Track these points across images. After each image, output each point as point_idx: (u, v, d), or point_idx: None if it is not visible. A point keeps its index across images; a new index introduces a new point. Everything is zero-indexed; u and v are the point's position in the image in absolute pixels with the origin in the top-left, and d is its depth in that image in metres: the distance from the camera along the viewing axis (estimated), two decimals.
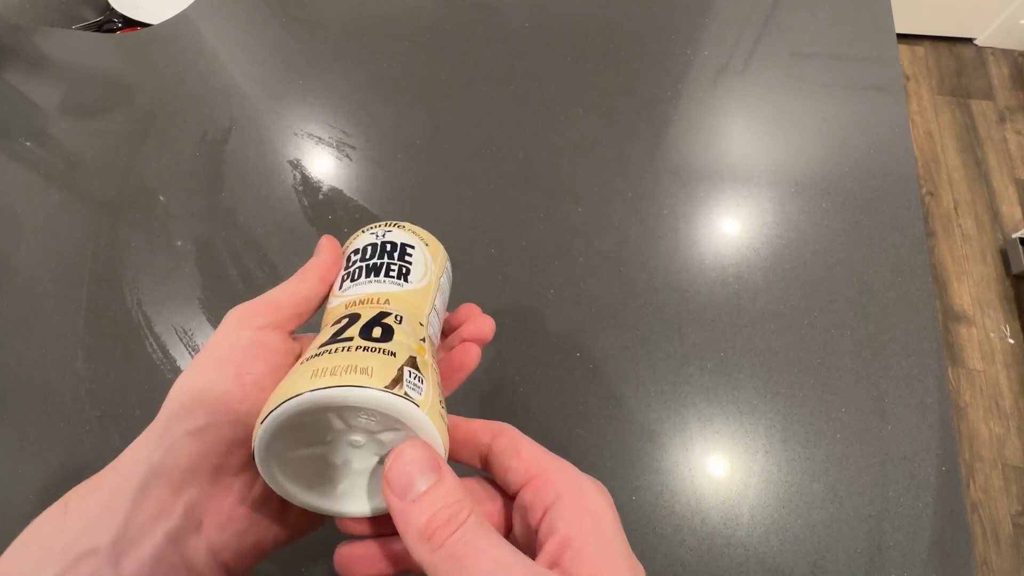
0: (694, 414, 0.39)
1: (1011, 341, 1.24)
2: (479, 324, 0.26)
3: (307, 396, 0.17)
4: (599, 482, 0.20)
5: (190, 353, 0.42)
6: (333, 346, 0.19)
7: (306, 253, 0.24)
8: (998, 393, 1.19)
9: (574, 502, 0.18)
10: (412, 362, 0.19)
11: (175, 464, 0.19)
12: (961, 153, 1.49)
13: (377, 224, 0.26)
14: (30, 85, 0.58)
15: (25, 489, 0.38)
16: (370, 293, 0.23)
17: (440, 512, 0.16)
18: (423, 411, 0.18)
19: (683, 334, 0.42)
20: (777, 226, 0.46)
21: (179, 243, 0.47)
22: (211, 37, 0.60)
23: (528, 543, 0.19)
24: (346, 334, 0.20)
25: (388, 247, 0.25)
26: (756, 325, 0.42)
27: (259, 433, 0.17)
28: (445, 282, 0.27)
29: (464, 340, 0.25)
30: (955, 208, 1.41)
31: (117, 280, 0.45)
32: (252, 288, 0.45)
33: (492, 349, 0.41)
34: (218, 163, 0.51)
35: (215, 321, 0.18)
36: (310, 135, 0.53)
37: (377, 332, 0.20)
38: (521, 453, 0.20)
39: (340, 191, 0.49)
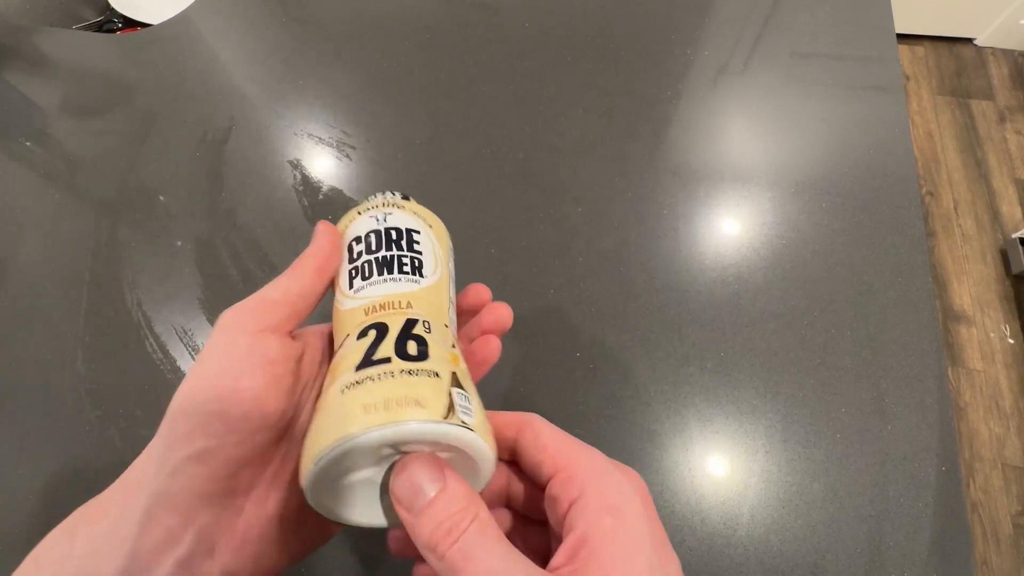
0: (694, 414, 0.39)
1: (1011, 341, 1.24)
2: (498, 313, 0.25)
3: (366, 437, 0.16)
4: (630, 470, 0.19)
5: (190, 353, 0.42)
6: (374, 372, 0.18)
7: None
8: (998, 393, 1.19)
9: (596, 498, 0.17)
10: (455, 379, 0.19)
11: (181, 490, 0.18)
12: (961, 153, 1.49)
13: (372, 202, 0.25)
14: (30, 85, 0.58)
15: (25, 489, 0.38)
16: (389, 296, 0.21)
17: (444, 522, 0.16)
18: (477, 435, 0.18)
19: (683, 334, 0.42)
20: (777, 226, 0.46)
21: (179, 243, 0.47)
22: (211, 37, 0.60)
23: (559, 534, 0.18)
24: (381, 352, 0.19)
25: (393, 235, 0.23)
26: (756, 325, 0.42)
27: (312, 473, 0.17)
28: (453, 267, 0.26)
29: (484, 332, 0.25)
30: (955, 208, 1.41)
31: (117, 280, 0.45)
32: (252, 288, 0.44)
33: None
34: (218, 163, 0.51)
35: (215, 321, 0.17)
36: (310, 135, 0.53)
37: (413, 348, 0.19)
38: (547, 446, 0.19)
39: (340, 191, 0.49)
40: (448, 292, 0.24)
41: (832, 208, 0.47)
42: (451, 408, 0.18)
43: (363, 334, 0.20)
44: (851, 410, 0.39)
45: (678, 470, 0.37)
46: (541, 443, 0.20)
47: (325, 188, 0.50)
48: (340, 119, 0.54)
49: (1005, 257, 1.33)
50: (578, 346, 0.41)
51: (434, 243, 0.24)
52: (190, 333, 0.43)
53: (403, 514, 0.17)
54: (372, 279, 0.22)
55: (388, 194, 0.25)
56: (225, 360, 0.19)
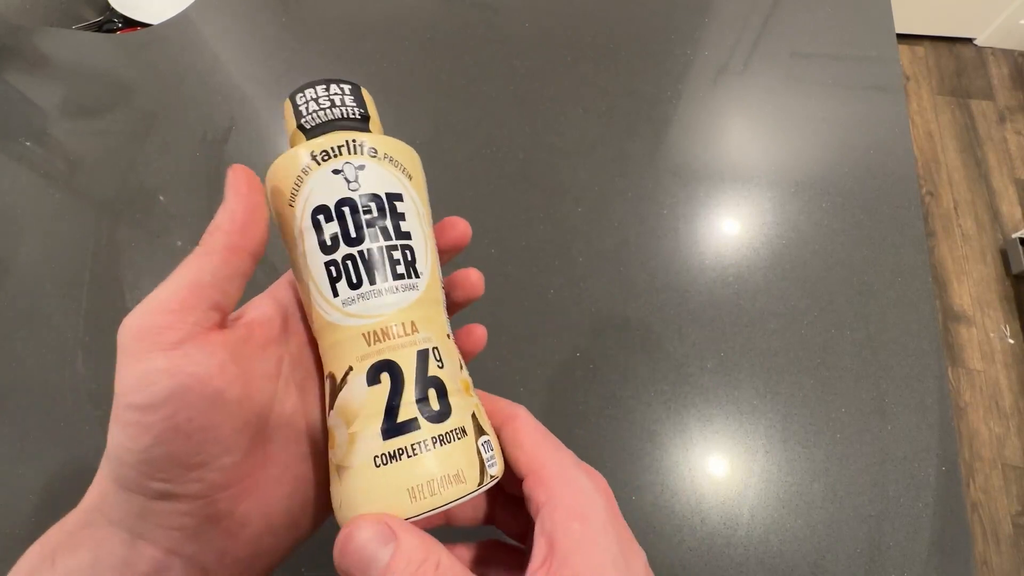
0: (694, 414, 0.39)
1: (1011, 341, 1.24)
2: (470, 289, 0.24)
3: (415, 519, 0.17)
4: (596, 474, 0.20)
5: None
6: (405, 442, 0.17)
7: None
8: (998, 393, 1.19)
9: (563, 503, 0.18)
10: (476, 424, 0.19)
11: (156, 527, 0.16)
12: (961, 153, 1.49)
13: (327, 141, 0.18)
14: (30, 85, 0.58)
15: (25, 489, 0.38)
16: (390, 317, 0.18)
17: None
18: (500, 475, 0.19)
19: (683, 334, 0.42)
20: (777, 226, 0.46)
21: (179, 243, 0.47)
22: (211, 37, 0.60)
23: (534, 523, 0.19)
24: (404, 412, 0.17)
25: (374, 209, 0.18)
26: (756, 325, 0.42)
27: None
28: (431, 224, 0.22)
29: (458, 304, 0.24)
30: (955, 208, 1.41)
31: (117, 280, 0.45)
32: (252, 288, 0.45)
33: (492, 349, 0.41)
34: (218, 163, 0.51)
35: (119, 335, 0.15)
36: None
37: (435, 402, 0.18)
38: (524, 444, 0.20)
39: None
40: (441, 286, 0.21)
41: (832, 208, 0.47)
42: (482, 468, 0.18)
43: (374, 379, 0.18)
44: (851, 410, 0.39)
45: (678, 470, 0.37)
46: (519, 440, 0.20)
47: None
48: None
49: (1005, 257, 1.33)
50: (578, 346, 0.41)
51: (417, 203, 0.20)
52: None
53: None
54: (363, 288, 0.18)
55: (338, 104, 0.19)
56: (149, 392, 0.15)
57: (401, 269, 0.19)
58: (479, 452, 0.18)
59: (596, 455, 0.37)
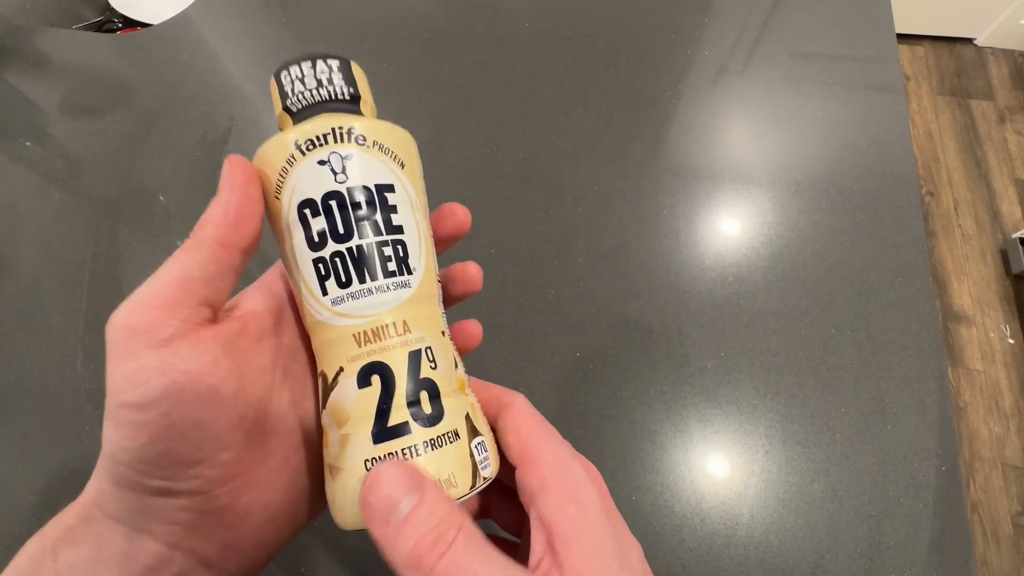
0: (694, 414, 0.39)
1: (1011, 341, 1.24)
2: (469, 283, 0.23)
3: None
4: (591, 465, 0.20)
5: None
6: (396, 446, 0.17)
7: None
8: (998, 393, 1.19)
9: (558, 489, 0.18)
10: (470, 425, 0.19)
11: (157, 520, 0.16)
12: (961, 153, 1.49)
13: (312, 126, 0.17)
14: (30, 85, 0.58)
15: (25, 489, 0.38)
16: (380, 317, 0.18)
17: (426, 535, 0.15)
18: (493, 478, 0.19)
19: (683, 334, 0.42)
20: (777, 226, 0.46)
21: (179, 243, 0.47)
22: (211, 37, 0.60)
23: (527, 510, 0.19)
24: (395, 416, 0.17)
25: (363, 203, 0.17)
26: (756, 325, 0.42)
27: (350, 529, 0.18)
28: (425, 196, 0.21)
29: (456, 298, 0.23)
30: (955, 208, 1.41)
31: (117, 280, 0.45)
32: (246, 279, 0.45)
33: (492, 350, 0.41)
34: (218, 163, 0.51)
35: (107, 329, 0.14)
36: None
37: (427, 405, 0.18)
38: (520, 432, 0.20)
39: None
40: (437, 282, 0.20)
41: (832, 208, 0.47)
42: (475, 471, 0.18)
43: (364, 381, 0.17)
44: (851, 410, 0.39)
45: (678, 470, 0.37)
46: (515, 427, 0.20)
47: None
48: None
49: (1005, 257, 1.33)
50: (578, 346, 0.41)
51: (410, 193, 0.19)
52: None
53: (377, 529, 0.16)
54: (353, 287, 0.17)
55: (325, 84, 0.18)
56: (142, 390, 0.15)
57: (393, 266, 0.18)
58: (472, 455, 0.18)
59: (596, 455, 0.37)
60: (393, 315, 0.18)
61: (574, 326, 0.42)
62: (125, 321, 0.16)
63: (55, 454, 0.39)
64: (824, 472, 0.37)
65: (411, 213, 0.19)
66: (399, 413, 0.17)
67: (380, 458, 0.17)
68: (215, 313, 0.18)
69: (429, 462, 0.17)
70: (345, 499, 0.17)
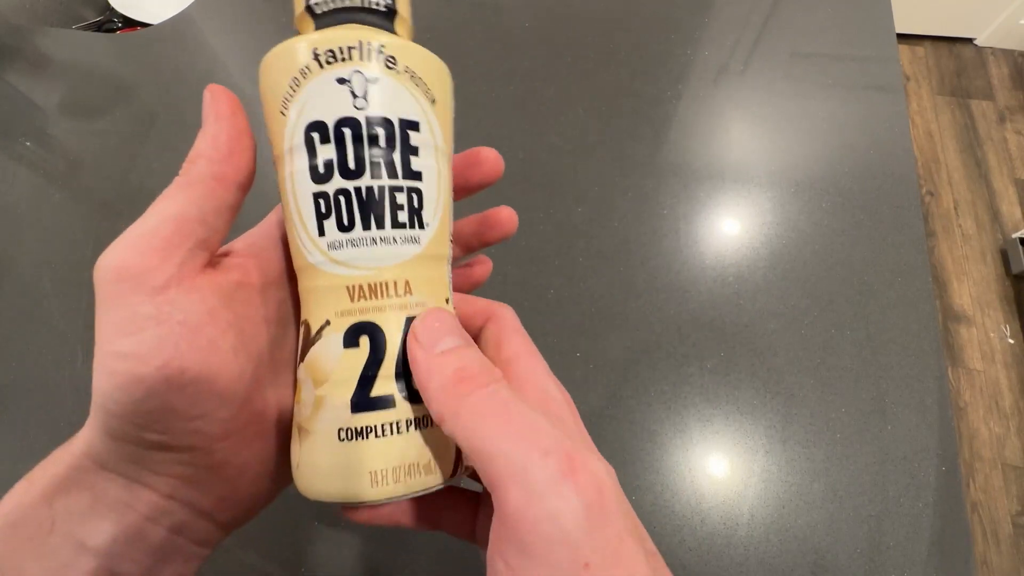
0: (694, 414, 0.39)
1: (1011, 341, 1.24)
2: (505, 227, 0.21)
3: (374, 503, 0.15)
4: (563, 388, 0.19)
5: None
6: (375, 420, 0.15)
7: None
8: (998, 393, 1.19)
9: (530, 399, 0.17)
10: None
11: (154, 473, 0.16)
12: (961, 153, 1.49)
13: (335, 19, 0.15)
14: (30, 85, 0.58)
15: None
16: (381, 271, 0.16)
17: (471, 364, 0.15)
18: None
19: (683, 334, 0.42)
20: (777, 226, 0.46)
21: None
22: (211, 37, 0.60)
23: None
24: (380, 386, 0.15)
25: (382, 136, 0.15)
26: (756, 325, 0.42)
27: (312, 497, 0.16)
28: (451, 162, 0.18)
29: (486, 243, 0.22)
30: (955, 208, 1.41)
31: None
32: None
33: None
34: None
35: (96, 271, 0.14)
36: None
37: None
38: (502, 346, 0.18)
39: None
40: (450, 227, 0.18)
41: (832, 208, 0.47)
42: (458, 459, 0.17)
43: (352, 341, 0.16)
44: (851, 410, 0.39)
45: (678, 470, 0.37)
46: (496, 339, 0.19)
47: None
48: None
49: (1005, 257, 1.33)
50: (578, 346, 0.41)
51: (436, 136, 0.16)
52: None
53: (419, 353, 0.15)
54: (354, 232, 0.15)
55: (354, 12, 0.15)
56: (136, 339, 0.14)
57: (404, 216, 0.16)
58: (457, 449, 0.17)
59: None
60: (395, 272, 0.16)
61: (574, 326, 0.42)
62: (115, 263, 0.14)
63: None
64: (824, 472, 0.37)
65: (434, 159, 0.16)
66: (385, 384, 0.15)
67: (357, 430, 0.15)
68: (211, 256, 0.16)
69: (408, 442, 0.15)
70: (312, 466, 0.16)
